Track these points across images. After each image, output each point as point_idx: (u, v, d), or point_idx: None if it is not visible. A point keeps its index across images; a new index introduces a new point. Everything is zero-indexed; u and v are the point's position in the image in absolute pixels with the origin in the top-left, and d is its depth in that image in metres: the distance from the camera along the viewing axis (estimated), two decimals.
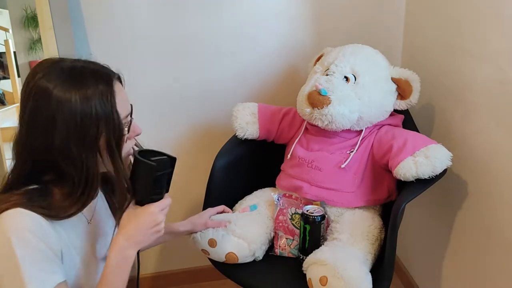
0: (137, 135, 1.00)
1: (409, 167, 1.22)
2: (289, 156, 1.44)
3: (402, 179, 1.24)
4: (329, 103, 1.28)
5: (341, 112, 1.29)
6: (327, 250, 1.19)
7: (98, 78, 0.88)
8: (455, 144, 1.39)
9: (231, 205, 1.49)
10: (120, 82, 0.95)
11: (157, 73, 1.64)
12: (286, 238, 1.37)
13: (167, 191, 1.00)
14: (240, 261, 1.30)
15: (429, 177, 1.21)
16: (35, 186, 0.89)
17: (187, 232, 1.32)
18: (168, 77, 1.65)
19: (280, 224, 1.37)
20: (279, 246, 1.37)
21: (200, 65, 1.66)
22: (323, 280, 1.11)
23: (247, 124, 1.49)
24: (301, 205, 1.36)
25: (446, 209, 1.49)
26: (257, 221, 1.36)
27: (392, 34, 1.74)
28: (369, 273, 1.14)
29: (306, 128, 1.47)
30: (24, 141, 0.87)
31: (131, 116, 0.96)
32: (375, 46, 1.44)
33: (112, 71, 0.93)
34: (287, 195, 1.41)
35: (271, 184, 1.52)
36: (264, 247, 1.35)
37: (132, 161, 0.97)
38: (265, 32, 1.67)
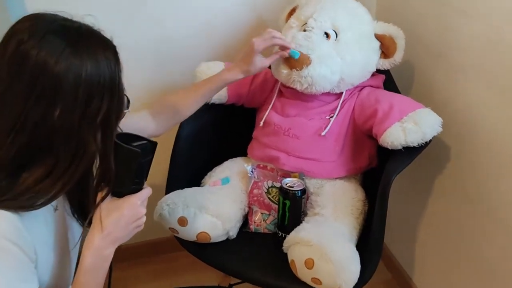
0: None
1: (397, 135, 1.11)
2: (262, 123, 1.30)
3: (389, 147, 1.13)
4: (309, 63, 1.14)
5: (322, 73, 1.16)
6: (310, 229, 1.08)
7: (105, 43, 0.76)
8: (437, 107, 1.29)
9: (199, 177, 1.35)
10: None
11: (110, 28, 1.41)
12: (262, 213, 1.25)
13: (145, 178, 0.87)
14: (213, 240, 1.18)
15: (418, 144, 1.12)
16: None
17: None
18: (117, 35, 1.42)
19: (255, 198, 1.25)
20: (254, 222, 1.25)
21: (155, 21, 1.44)
22: (309, 263, 1.01)
23: None
24: (278, 177, 1.23)
25: (426, 176, 1.42)
26: (231, 196, 1.23)
27: None
28: (357, 252, 1.05)
29: (279, 91, 1.33)
30: (16, 114, 0.70)
31: None
32: None
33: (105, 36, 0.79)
34: (261, 166, 1.28)
35: (243, 153, 1.39)
36: (239, 224, 1.23)
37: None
38: None
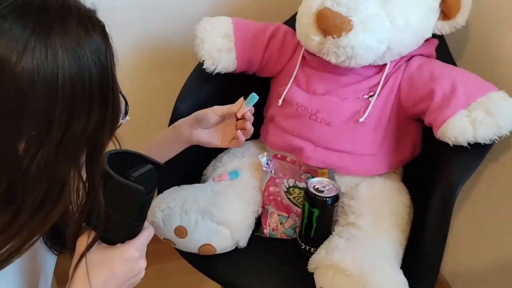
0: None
1: (463, 128, 0.85)
2: (280, 101, 1.01)
3: (451, 143, 0.87)
4: (350, 29, 0.85)
5: (366, 42, 0.87)
6: (346, 249, 0.84)
7: (88, 22, 0.50)
8: (502, 84, 1.00)
9: (200, 168, 1.08)
10: None
11: None
12: (279, 215, 1.00)
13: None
14: (218, 252, 0.94)
15: (491, 141, 0.85)
16: None
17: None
18: None
19: (271, 197, 1.00)
20: (269, 226, 1.01)
21: None
22: None
23: (220, 52, 1.02)
24: (300, 171, 0.97)
25: (489, 179, 1.10)
26: (241, 196, 0.97)
27: None
28: (406, 282, 0.82)
29: (303, 58, 1.03)
30: None
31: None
32: None
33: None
34: (279, 156, 1.02)
35: (254, 135, 1.11)
36: (250, 231, 0.98)
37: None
38: None
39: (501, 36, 1.03)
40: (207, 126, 0.87)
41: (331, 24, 0.85)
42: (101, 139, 0.54)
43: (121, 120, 0.57)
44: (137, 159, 0.61)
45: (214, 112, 0.85)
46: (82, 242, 0.60)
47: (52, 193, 0.52)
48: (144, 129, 1.19)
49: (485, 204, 1.13)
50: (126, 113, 0.61)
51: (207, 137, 0.88)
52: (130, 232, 0.61)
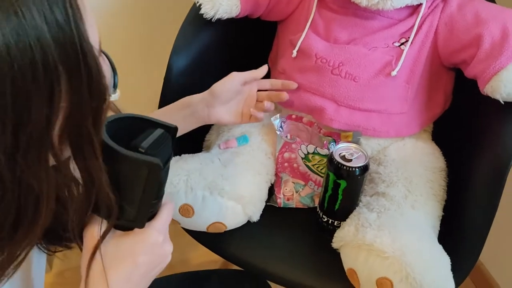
0: None
1: None
2: (295, 52, 0.85)
3: (502, 100, 0.74)
4: None
5: None
6: (381, 229, 0.72)
7: None
8: None
9: (202, 132, 0.93)
10: None
11: None
12: (294, 183, 0.88)
13: None
14: (229, 228, 0.82)
15: None
16: None
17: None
18: None
19: (286, 164, 0.87)
20: (284, 195, 0.89)
21: None
22: (386, 285, 0.68)
23: None
24: (324, 141, 0.84)
25: None
26: (252, 164, 0.84)
27: None
28: (450, 265, 0.72)
29: None
30: None
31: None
32: None
33: None
34: (294, 117, 0.88)
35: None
36: (264, 203, 0.86)
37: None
38: None
39: None
40: (226, 101, 0.75)
41: None
42: (83, 126, 0.39)
43: (109, 97, 0.42)
44: (143, 123, 0.50)
45: (235, 80, 0.73)
46: (92, 233, 0.49)
47: (25, 208, 0.39)
48: (134, 95, 1.03)
49: None
50: (115, 86, 0.46)
51: (227, 115, 0.78)
52: (149, 213, 0.51)
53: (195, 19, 0.88)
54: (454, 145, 0.87)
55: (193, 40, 0.88)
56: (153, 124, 0.50)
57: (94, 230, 0.48)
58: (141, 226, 0.50)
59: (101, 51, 0.41)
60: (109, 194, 0.45)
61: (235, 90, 0.77)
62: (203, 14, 0.86)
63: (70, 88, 0.36)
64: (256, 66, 0.89)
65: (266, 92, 0.83)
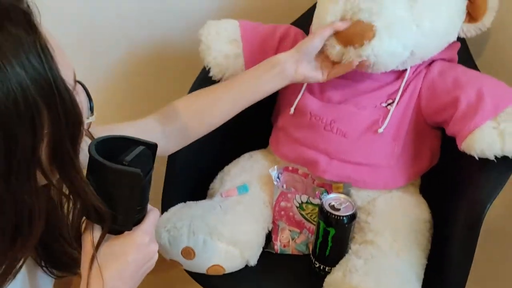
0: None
1: (490, 140, 0.79)
2: (292, 109, 0.95)
3: (476, 156, 0.81)
4: (373, 36, 0.78)
5: (391, 48, 0.81)
6: (366, 272, 0.78)
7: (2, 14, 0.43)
8: None
9: (207, 180, 1.02)
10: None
11: None
12: (290, 231, 0.95)
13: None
14: (228, 271, 0.88)
15: None
16: None
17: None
18: None
19: (282, 212, 0.94)
20: (280, 241, 0.95)
21: None
22: None
23: (227, 58, 0.95)
24: (316, 191, 0.91)
25: None
26: (251, 212, 0.91)
27: None
28: None
29: None
30: None
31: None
32: None
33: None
34: (290, 169, 0.96)
35: (263, 143, 1.05)
36: (261, 248, 0.92)
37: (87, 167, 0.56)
38: None
39: None
40: (312, 57, 0.85)
41: (351, 34, 0.79)
42: (64, 150, 0.48)
43: (86, 120, 0.52)
44: (127, 143, 0.58)
45: (323, 35, 0.83)
46: (90, 238, 0.57)
47: (22, 222, 0.48)
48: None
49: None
50: (91, 110, 0.55)
51: (313, 71, 0.87)
52: (136, 218, 0.59)
53: (204, 80, 0.98)
54: (439, 197, 0.93)
55: None
56: (136, 142, 0.58)
57: (91, 235, 0.57)
58: (129, 229, 0.58)
59: (77, 82, 0.51)
60: (97, 204, 0.53)
61: (320, 46, 0.84)
62: (211, 76, 0.97)
63: (49, 118, 0.45)
64: (259, 124, 0.99)
65: None
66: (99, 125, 0.66)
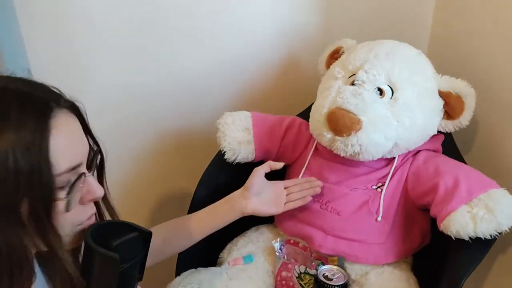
0: (93, 199, 0.67)
1: (464, 222, 0.89)
2: None
3: (453, 237, 0.91)
4: (359, 129, 0.93)
5: (375, 140, 0.94)
6: None
7: (26, 109, 0.59)
8: (510, 179, 1.06)
9: (217, 249, 1.13)
10: (75, 112, 0.66)
11: (115, 66, 1.22)
12: None
13: (139, 279, 0.66)
14: None
15: (491, 236, 0.89)
16: None
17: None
18: (129, 72, 1.23)
19: (283, 282, 1.03)
20: None
21: (171, 56, 1.25)
22: None
23: (240, 144, 1.11)
24: (313, 263, 1.02)
25: (499, 274, 1.13)
26: (254, 280, 1.01)
27: (418, 20, 1.36)
28: None
29: (316, 148, 1.11)
30: None
31: (88, 170, 0.67)
32: (395, 35, 1.08)
33: (56, 97, 0.64)
34: (292, 241, 1.07)
35: (269, 219, 1.17)
36: None
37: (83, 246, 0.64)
38: (256, 12, 1.26)
39: (502, 131, 1.09)
40: (257, 193, 0.99)
41: (341, 125, 0.93)
42: (38, 210, 0.59)
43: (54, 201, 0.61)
44: (125, 228, 0.63)
45: (258, 172, 0.99)
46: None
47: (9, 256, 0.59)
48: (162, 211, 1.28)
49: None
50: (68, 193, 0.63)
51: (260, 205, 1.00)
52: None
53: (219, 161, 1.14)
54: (428, 275, 1.01)
55: (215, 176, 1.13)
56: (132, 228, 0.63)
57: None
58: None
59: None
60: (74, 275, 0.61)
61: (261, 182, 0.99)
62: (226, 158, 1.13)
63: (28, 185, 0.57)
64: None
65: (297, 186, 1.04)
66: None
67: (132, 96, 1.25)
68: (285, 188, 1.04)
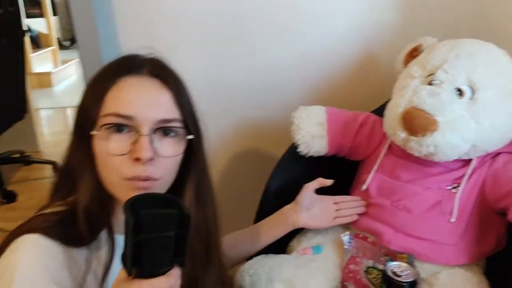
0: (136, 157, 0.72)
1: None
2: (365, 186, 1.10)
3: None
4: (435, 130, 0.92)
5: (452, 141, 0.93)
6: None
7: (110, 71, 0.79)
8: None
9: (287, 239, 1.18)
10: (152, 74, 0.79)
11: (198, 60, 1.30)
12: None
13: (180, 263, 0.60)
14: None
15: None
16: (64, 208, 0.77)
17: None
18: (211, 66, 1.31)
19: (351, 274, 1.06)
20: None
21: (252, 51, 1.31)
22: None
23: (313, 138, 1.15)
24: (381, 258, 1.03)
25: None
26: (322, 270, 1.04)
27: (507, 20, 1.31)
28: None
29: (390, 146, 1.12)
30: None
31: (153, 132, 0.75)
32: (486, 35, 1.04)
33: (135, 61, 0.80)
34: (361, 236, 1.09)
35: None
36: None
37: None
38: (335, 8, 1.28)
39: None
40: (307, 207, 1.05)
41: (416, 125, 0.93)
42: (81, 133, 0.78)
43: None
44: (170, 203, 0.58)
45: (308, 188, 1.04)
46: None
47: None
48: (238, 193, 1.35)
49: None
50: None
51: (311, 220, 1.07)
52: (146, 271, 0.57)
53: (293, 154, 1.18)
54: (502, 281, 0.99)
55: (288, 169, 1.18)
56: (176, 206, 0.57)
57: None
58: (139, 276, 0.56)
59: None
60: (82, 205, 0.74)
61: (312, 197, 1.05)
62: (299, 151, 1.17)
63: (80, 116, 0.80)
64: (338, 191, 1.15)
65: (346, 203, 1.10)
66: None
67: (213, 93, 1.33)
68: (335, 203, 1.09)
